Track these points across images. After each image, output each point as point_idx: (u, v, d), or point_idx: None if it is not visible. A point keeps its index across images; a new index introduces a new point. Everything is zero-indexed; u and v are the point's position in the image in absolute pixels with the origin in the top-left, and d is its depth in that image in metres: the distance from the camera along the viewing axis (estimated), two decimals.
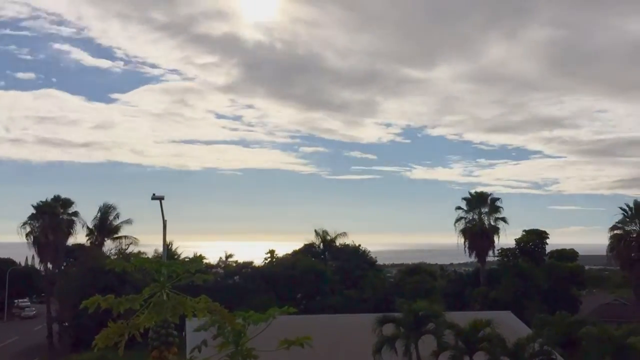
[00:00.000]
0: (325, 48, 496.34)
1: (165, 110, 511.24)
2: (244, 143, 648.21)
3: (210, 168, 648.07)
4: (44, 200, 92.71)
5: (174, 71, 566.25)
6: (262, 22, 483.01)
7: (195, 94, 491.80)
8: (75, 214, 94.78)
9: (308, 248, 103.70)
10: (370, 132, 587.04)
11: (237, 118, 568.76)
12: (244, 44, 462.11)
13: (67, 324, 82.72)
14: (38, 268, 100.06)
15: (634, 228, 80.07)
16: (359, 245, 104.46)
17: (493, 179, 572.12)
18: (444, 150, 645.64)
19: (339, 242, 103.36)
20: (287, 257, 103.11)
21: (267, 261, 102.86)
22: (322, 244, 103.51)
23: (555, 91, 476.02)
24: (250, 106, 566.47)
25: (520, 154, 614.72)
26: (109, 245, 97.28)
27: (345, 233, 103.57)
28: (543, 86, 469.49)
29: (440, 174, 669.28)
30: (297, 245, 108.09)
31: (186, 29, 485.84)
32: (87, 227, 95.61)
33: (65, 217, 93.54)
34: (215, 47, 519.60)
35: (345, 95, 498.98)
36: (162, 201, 45.81)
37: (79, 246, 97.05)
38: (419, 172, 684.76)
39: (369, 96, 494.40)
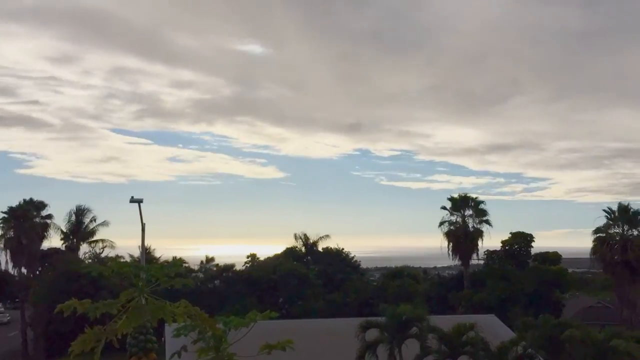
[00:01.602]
0: None
1: None
2: (224, 150, 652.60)
3: (190, 174, 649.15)
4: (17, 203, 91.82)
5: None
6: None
7: None
8: (50, 217, 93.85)
9: (290, 252, 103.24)
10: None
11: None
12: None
13: (41, 330, 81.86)
14: (12, 273, 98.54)
15: (617, 231, 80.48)
16: (342, 248, 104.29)
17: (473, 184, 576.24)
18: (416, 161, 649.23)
19: (322, 245, 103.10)
20: (268, 261, 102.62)
21: (248, 265, 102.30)
22: (304, 247, 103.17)
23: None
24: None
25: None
26: (84, 249, 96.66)
27: (328, 236, 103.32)
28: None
29: (423, 178, 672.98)
30: (279, 248, 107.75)
31: None
32: (62, 231, 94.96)
33: (38, 220, 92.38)
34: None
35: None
36: (141, 204, 45.56)
37: (54, 250, 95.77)
38: (403, 177, 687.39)
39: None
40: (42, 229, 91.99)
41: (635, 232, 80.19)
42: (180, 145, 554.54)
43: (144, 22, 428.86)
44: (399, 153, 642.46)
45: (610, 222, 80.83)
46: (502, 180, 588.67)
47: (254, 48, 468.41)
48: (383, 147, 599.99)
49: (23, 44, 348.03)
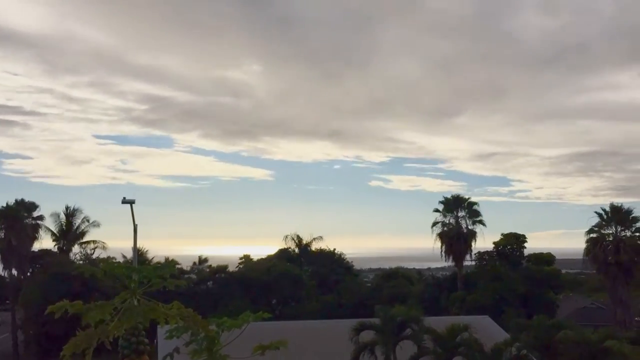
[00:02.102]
0: None
1: None
2: (213, 155, 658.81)
3: (181, 176, 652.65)
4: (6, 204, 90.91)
5: None
6: None
7: None
8: (41, 218, 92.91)
9: (283, 253, 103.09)
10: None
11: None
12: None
13: (32, 332, 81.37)
14: (2, 274, 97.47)
15: (610, 232, 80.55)
16: (335, 249, 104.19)
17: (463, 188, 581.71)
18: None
19: (315, 246, 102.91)
20: (261, 262, 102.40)
21: (241, 266, 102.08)
22: (297, 248, 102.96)
23: None
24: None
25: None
26: (76, 250, 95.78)
27: (321, 237, 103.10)
28: None
29: (416, 180, 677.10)
30: (272, 249, 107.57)
31: None
32: (53, 232, 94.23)
33: (29, 221, 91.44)
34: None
35: None
36: (133, 205, 45.37)
37: (45, 251, 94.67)
38: (393, 180, 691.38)
39: None
40: (33, 230, 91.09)
41: (628, 233, 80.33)
42: (169, 150, 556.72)
43: (129, 44, 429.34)
44: (385, 159, 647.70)
45: (603, 223, 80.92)
46: (489, 184, 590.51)
47: (236, 65, 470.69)
48: (369, 153, 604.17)
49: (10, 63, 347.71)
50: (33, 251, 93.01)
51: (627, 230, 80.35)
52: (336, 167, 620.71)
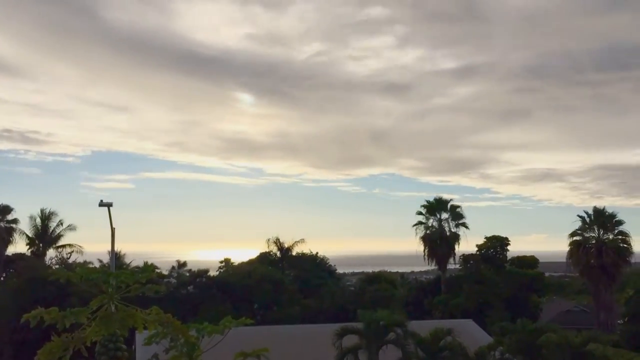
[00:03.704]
0: None
1: None
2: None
3: (164, 179, 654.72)
4: None
5: None
6: None
7: None
8: (15, 221, 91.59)
9: (264, 256, 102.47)
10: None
11: None
12: None
13: (6, 338, 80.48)
14: None
15: (593, 235, 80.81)
16: (317, 253, 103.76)
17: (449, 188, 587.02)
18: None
19: (297, 250, 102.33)
20: (242, 266, 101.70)
21: (222, 270, 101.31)
22: (279, 252, 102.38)
23: None
24: None
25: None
26: (51, 254, 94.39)
27: (303, 240, 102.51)
28: None
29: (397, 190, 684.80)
30: (253, 253, 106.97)
31: None
32: (27, 236, 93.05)
33: (3, 225, 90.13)
34: None
35: None
36: (111, 208, 44.82)
37: (19, 256, 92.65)
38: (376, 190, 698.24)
39: None
40: (7, 234, 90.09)
41: (611, 236, 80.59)
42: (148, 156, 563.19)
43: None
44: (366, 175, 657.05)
45: (586, 226, 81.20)
46: (472, 192, 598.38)
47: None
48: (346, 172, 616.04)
49: None
50: (7, 255, 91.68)
51: (609, 233, 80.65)
52: (321, 181, 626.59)
